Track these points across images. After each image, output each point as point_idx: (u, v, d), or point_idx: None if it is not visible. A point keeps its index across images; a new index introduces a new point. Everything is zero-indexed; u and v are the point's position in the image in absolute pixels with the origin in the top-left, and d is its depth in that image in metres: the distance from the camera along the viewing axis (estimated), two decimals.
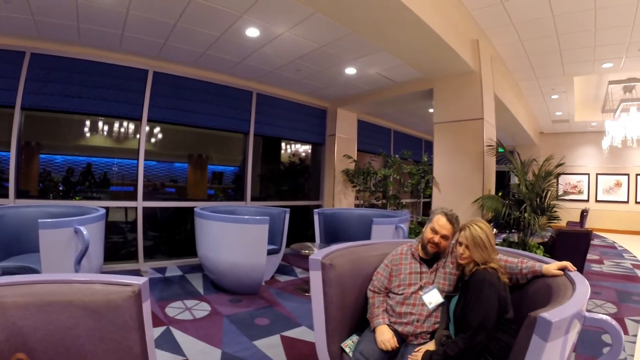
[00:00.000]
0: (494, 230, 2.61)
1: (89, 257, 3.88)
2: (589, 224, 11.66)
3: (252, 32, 5.34)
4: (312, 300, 2.52)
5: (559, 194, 6.06)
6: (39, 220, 3.56)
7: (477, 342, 1.97)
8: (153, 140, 7.11)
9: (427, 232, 2.54)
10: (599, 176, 14.37)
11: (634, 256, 9.16)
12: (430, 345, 2.22)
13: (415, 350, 2.20)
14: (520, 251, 2.87)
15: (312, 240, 6.72)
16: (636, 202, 13.60)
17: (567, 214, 6.66)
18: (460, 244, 2.29)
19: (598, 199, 14.33)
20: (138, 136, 6.47)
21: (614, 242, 11.45)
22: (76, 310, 1.62)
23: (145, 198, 6.44)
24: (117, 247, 6.62)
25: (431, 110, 7.88)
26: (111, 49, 6.01)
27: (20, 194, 5.62)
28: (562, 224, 7.48)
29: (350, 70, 6.91)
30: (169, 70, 6.70)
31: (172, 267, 6.54)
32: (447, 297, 2.40)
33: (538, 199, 5.68)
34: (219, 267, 5.19)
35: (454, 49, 5.25)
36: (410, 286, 2.48)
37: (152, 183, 7.23)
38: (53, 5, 4.59)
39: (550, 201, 5.74)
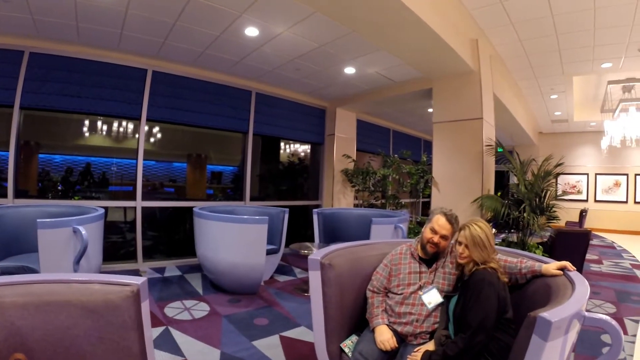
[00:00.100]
0: (493, 230, 2.61)
1: (87, 257, 3.88)
2: (588, 224, 11.68)
3: (251, 31, 5.33)
4: (311, 300, 2.52)
5: (558, 194, 6.06)
6: (38, 220, 3.56)
7: (477, 342, 1.97)
8: (152, 140, 7.10)
9: (426, 232, 2.54)
10: (598, 176, 14.38)
11: (633, 256, 9.17)
12: (430, 345, 2.21)
13: (415, 350, 2.20)
14: (519, 251, 2.86)
15: (311, 240, 6.73)
16: (635, 202, 13.62)
17: (566, 214, 6.66)
18: (460, 243, 2.29)
19: (597, 199, 14.35)
20: (137, 136, 6.47)
21: (613, 242, 11.46)
22: (75, 310, 1.61)
23: (144, 198, 6.44)
24: (116, 247, 6.62)
25: (430, 110, 7.89)
26: (110, 48, 6.00)
27: (19, 193, 5.61)
28: (561, 224, 7.49)
29: (350, 70, 6.91)
30: (168, 70, 6.69)
31: (171, 267, 6.53)
32: (447, 297, 2.40)
33: (537, 199, 5.68)
34: (218, 267, 5.18)
35: (454, 48, 5.25)
36: (410, 286, 2.48)
37: (151, 183, 7.23)
38: (52, 4, 4.58)
39: (549, 201, 5.74)
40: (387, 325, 2.42)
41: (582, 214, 10.87)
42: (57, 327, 1.58)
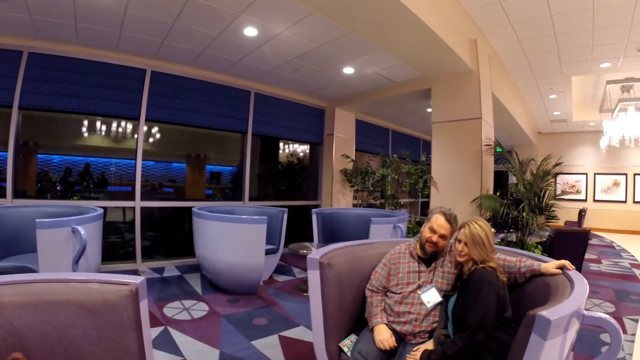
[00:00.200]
0: (492, 229, 2.61)
1: (86, 257, 3.87)
2: (587, 224, 11.69)
3: (250, 31, 5.33)
4: (310, 299, 2.52)
5: (557, 193, 6.06)
6: (37, 220, 3.55)
7: (476, 341, 1.97)
8: (151, 140, 7.10)
9: (425, 232, 2.54)
10: (596, 176, 14.40)
11: (632, 255, 9.18)
12: (429, 345, 2.21)
13: (414, 349, 2.20)
14: (518, 250, 2.87)
15: (311, 240, 6.72)
16: (634, 202, 13.64)
17: (565, 213, 6.66)
18: (460, 241, 2.29)
19: (596, 198, 14.37)
20: (136, 136, 6.46)
21: (612, 242, 11.47)
22: (73, 309, 1.61)
23: (143, 198, 6.44)
24: (115, 247, 6.62)
25: (429, 110, 7.90)
26: (109, 48, 6.00)
27: (18, 194, 5.61)
28: (560, 223, 7.49)
29: (349, 70, 6.91)
30: (167, 70, 6.68)
31: (170, 267, 6.53)
32: (446, 297, 2.39)
33: (536, 199, 5.68)
34: (217, 267, 5.18)
35: (453, 48, 5.25)
36: (409, 285, 2.48)
37: (150, 183, 7.22)
38: (50, 4, 4.58)
39: (548, 201, 5.75)
40: (386, 324, 2.42)
41: (581, 213, 10.88)
42: (56, 326, 1.58)
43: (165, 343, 3.56)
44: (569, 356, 1.85)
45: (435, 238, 2.48)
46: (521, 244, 5.54)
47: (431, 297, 2.40)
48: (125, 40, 5.71)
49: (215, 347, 3.53)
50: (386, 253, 2.72)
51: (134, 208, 6.37)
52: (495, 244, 2.33)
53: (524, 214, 5.41)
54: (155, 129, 7.15)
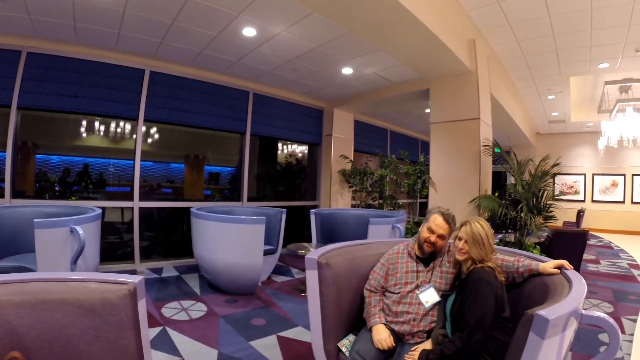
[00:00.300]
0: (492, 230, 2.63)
1: (84, 257, 3.87)
2: (585, 224, 11.69)
3: (249, 31, 5.33)
4: (308, 299, 2.52)
5: (555, 194, 6.07)
6: (35, 220, 3.55)
7: (475, 341, 1.97)
8: (149, 140, 7.09)
9: (423, 232, 2.54)
10: (595, 176, 14.42)
11: (630, 256, 9.19)
12: (427, 345, 2.22)
13: (412, 349, 2.21)
14: (516, 250, 2.87)
15: (309, 240, 6.72)
16: (632, 202, 13.66)
17: (563, 214, 6.67)
18: (460, 238, 2.29)
19: (594, 199, 14.38)
20: (134, 136, 6.46)
21: (610, 242, 11.49)
22: (71, 308, 1.61)
23: (141, 198, 6.43)
24: (114, 248, 6.60)
25: (427, 111, 7.90)
26: (108, 48, 5.99)
27: (16, 194, 5.60)
28: (559, 224, 7.50)
29: (347, 70, 6.91)
30: (166, 70, 6.68)
31: (169, 268, 6.52)
32: (444, 296, 2.39)
33: (534, 199, 5.69)
34: (215, 268, 5.18)
35: (451, 49, 5.26)
36: (407, 285, 2.48)
37: (149, 184, 7.21)
38: (50, 4, 4.57)
39: (547, 201, 5.76)
40: (385, 324, 2.42)
41: (580, 214, 10.89)
42: (54, 325, 1.58)
43: (163, 343, 3.56)
44: (567, 356, 1.86)
45: (433, 238, 2.48)
46: (519, 245, 5.54)
47: (429, 296, 2.40)
48: (124, 40, 5.71)
49: (213, 348, 3.52)
50: (384, 253, 2.72)
51: (132, 208, 6.36)
52: (494, 244, 2.34)
53: (522, 215, 5.42)
54: (153, 130, 7.14)
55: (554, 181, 6.29)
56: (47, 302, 1.60)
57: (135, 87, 6.39)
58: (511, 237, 5.86)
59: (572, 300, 1.73)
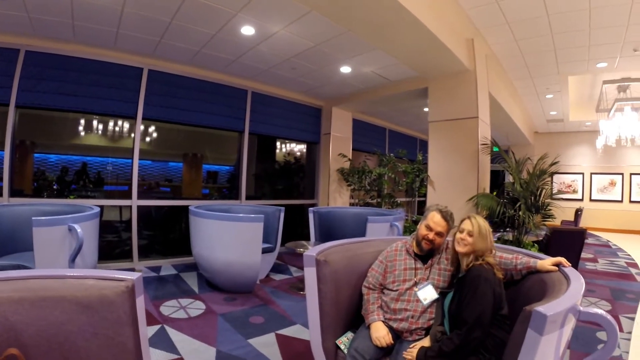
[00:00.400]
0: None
1: (83, 256, 3.86)
2: (583, 223, 11.73)
3: (247, 30, 5.33)
4: (306, 296, 2.52)
5: (554, 192, 6.08)
6: (33, 218, 3.54)
7: (473, 338, 1.97)
8: (148, 139, 7.08)
9: (421, 229, 2.55)
10: (593, 175, 14.44)
11: (628, 254, 9.21)
12: (425, 342, 2.22)
13: (410, 346, 2.21)
14: (514, 248, 2.87)
15: (307, 239, 6.72)
16: (630, 202, 13.68)
17: (561, 212, 6.69)
18: (462, 231, 2.29)
19: (592, 198, 14.41)
20: (133, 135, 6.45)
21: (608, 241, 11.51)
22: (69, 305, 1.60)
23: (139, 197, 6.43)
24: (112, 246, 6.60)
25: (426, 109, 7.91)
26: (106, 46, 5.98)
27: (15, 192, 5.59)
28: (557, 222, 7.51)
29: (345, 69, 6.91)
30: (164, 69, 6.68)
31: (167, 266, 6.52)
32: (442, 294, 2.39)
33: (532, 197, 5.70)
34: (213, 266, 5.18)
35: (450, 48, 5.26)
36: (405, 282, 2.48)
37: (147, 182, 7.21)
38: (48, 2, 4.56)
39: (545, 199, 5.76)
40: (383, 321, 2.42)
41: (578, 213, 10.92)
42: (52, 322, 1.57)
43: (162, 341, 3.56)
44: (565, 354, 1.86)
45: (431, 235, 2.49)
46: (518, 243, 5.56)
47: (427, 294, 2.41)
48: (122, 39, 5.70)
49: (211, 346, 3.53)
50: (383, 250, 2.72)
51: (130, 207, 6.36)
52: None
53: (520, 213, 5.43)
54: (152, 128, 7.13)
55: (552, 180, 6.29)
56: (45, 299, 1.59)
57: (133, 85, 6.38)
58: (509, 236, 5.87)
59: (570, 297, 1.73)
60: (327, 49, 5.92)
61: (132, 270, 5.97)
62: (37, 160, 6.27)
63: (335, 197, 9.16)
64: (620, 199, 13.88)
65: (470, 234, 2.25)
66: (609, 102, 9.35)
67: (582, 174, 14.61)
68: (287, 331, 3.95)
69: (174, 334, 3.74)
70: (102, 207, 5.03)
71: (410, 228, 7.07)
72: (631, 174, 13.70)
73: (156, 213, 7.14)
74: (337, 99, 8.99)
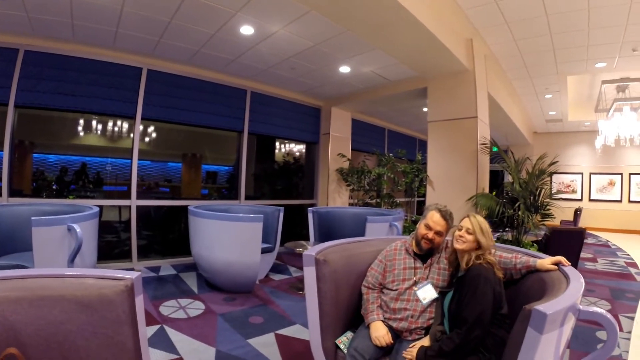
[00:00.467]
0: None
1: (82, 255, 3.85)
2: (582, 223, 11.74)
3: (247, 29, 5.33)
4: (306, 296, 2.52)
5: (553, 192, 6.08)
6: (32, 218, 3.53)
7: (473, 337, 1.97)
8: (147, 139, 7.07)
9: (421, 228, 2.54)
10: (592, 175, 14.46)
11: (628, 254, 9.22)
12: (425, 341, 2.22)
13: (410, 346, 2.21)
14: (514, 247, 2.87)
15: (307, 239, 6.72)
16: (629, 201, 13.69)
17: (561, 212, 6.69)
18: (461, 228, 2.29)
19: (591, 198, 14.42)
20: (132, 135, 6.45)
21: (608, 241, 11.52)
22: (68, 304, 1.60)
23: (139, 197, 6.42)
24: (111, 246, 6.59)
25: (425, 109, 7.91)
26: (105, 46, 5.98)
27: (14, 192, 5.58)
28: (556, 222, 7.52)
29: (345, 69, 6.91)
30: (163, 68, 6.67)
31: (166, 266, 6.51)
32: (442, 293, 2.39)
33: (532, 197, 5.71)
34: (213, 266, 5.17)
35: (449, 48, 5.27)
36: (405, 282, 2.48)
37: (146, 183, 7.21)
38: (47, 2, 4.56)
39: (544, 199, 5.77)
40: (383, 321, 2.42)
41: (577, 212, 10.93)
42: (51, 321, 1.57)
43: (161, 341, 3.56)
44: (564, 353, 1.86)
45: (431, 235, 2.48)
46: (517, 243, 5.56)
47: (427, 293, 2.40)
48: (121, 39, 5.70)
49: (211, 345, 3.52)
50: (382, 250, 2.72)
51: (129, 207, 6.35)
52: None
53: (519, 213, 5.44)
54: (151, 128, 7.12)
55: (551, 180, 6.29)
56: (44, 298, 1.59)
57: (132, 85, 6.38)
58: (508, 236, 5.87)
59: (570, 296, 1.73)
60: (326, 48, 5.92)
61: (132, 270, 6.01)
62: (36, 160, 6.27)
63: (335, 197, 9.17)
64: (619, 199, 13.90)
65: (469, 232, 2.25)
66: (608, 102, 9.36)
67: (581, 173, 14.63)
68: (286, 331, 3.95)
69: (173, 334, 3.73)
70: (101, 207, 5.02)
71: (409, 228, 7.08)
72: (630, 174, 13.71)
73: (155, 213, 7.14)
74: (337, 99, 8.99)
